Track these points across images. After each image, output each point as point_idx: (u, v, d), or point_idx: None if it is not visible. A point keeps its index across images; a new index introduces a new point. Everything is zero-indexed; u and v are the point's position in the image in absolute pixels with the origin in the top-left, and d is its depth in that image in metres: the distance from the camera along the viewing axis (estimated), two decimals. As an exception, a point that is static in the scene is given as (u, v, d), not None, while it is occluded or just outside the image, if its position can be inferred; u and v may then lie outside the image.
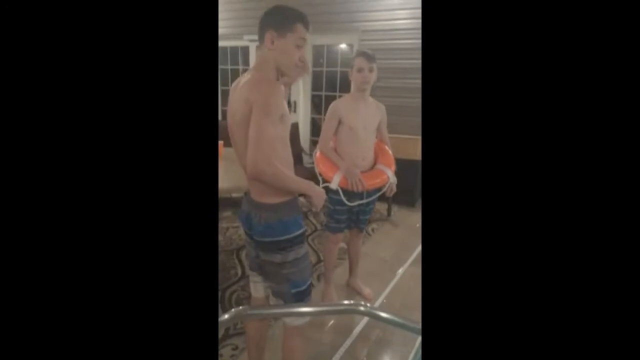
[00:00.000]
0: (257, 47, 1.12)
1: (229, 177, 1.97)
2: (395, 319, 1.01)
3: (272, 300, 1.26)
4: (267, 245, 1.16)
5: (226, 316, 0.93)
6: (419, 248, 2.83)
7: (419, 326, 0.95)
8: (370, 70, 1.78)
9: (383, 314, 1.02)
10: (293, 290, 1.17)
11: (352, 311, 1.06)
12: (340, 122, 1.87)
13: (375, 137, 1.97)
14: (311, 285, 1.24)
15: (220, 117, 4.82)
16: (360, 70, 1.77)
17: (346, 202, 1.84)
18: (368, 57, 1.77)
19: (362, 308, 1.06)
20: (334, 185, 1.81)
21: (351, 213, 1.96)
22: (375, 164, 1.95)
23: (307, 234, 2.97)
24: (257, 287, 1.34)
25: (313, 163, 1.96)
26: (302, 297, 1.19)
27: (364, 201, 1.90)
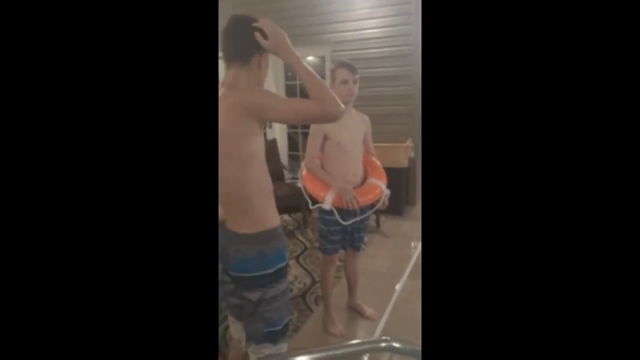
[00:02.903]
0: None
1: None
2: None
3: (245, 344, 1.12)
4: (244, 281, 1.05)
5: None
6: (414, 258, 2.76)
7: None
8: (355, 81, 1.71)
9: (409, 347, 0.92)
10: (265, 330, 1.04)
11: (374, 349, 0.96)
12: (326, 138, 1.78)
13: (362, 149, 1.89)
14: (289, 324, 1.11)
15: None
16: (344, 82, 1.70)
17: (341, 221, 1.74)
18: (351, 68, 1.70)
19: (383, 344, 0.95)
20: (327, 205, 1.71)
21: (345, 232, 1.87)
22: (365, 178, 1.87)
23: (297, 254, 2.90)
24: (236, 328, 1.20)
25: (295, 179, 1.86)
26: (274, 338, 1.06)
27: (358, 218, 1.81)
